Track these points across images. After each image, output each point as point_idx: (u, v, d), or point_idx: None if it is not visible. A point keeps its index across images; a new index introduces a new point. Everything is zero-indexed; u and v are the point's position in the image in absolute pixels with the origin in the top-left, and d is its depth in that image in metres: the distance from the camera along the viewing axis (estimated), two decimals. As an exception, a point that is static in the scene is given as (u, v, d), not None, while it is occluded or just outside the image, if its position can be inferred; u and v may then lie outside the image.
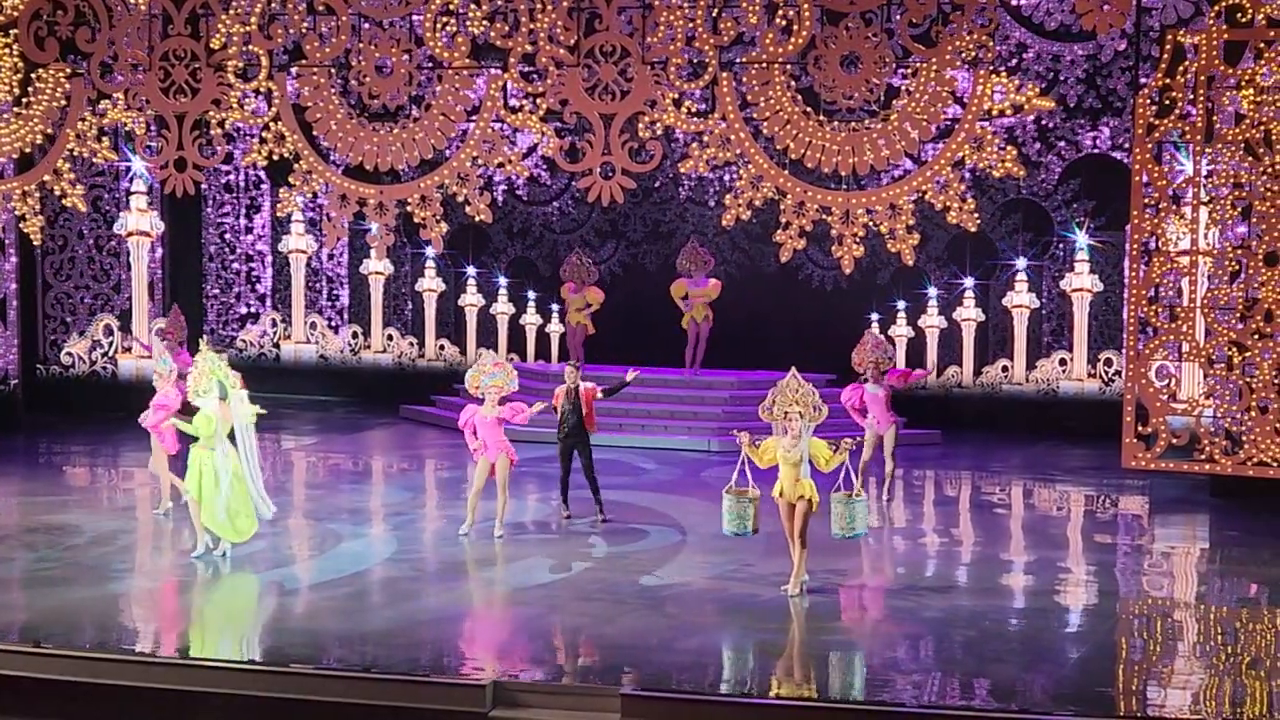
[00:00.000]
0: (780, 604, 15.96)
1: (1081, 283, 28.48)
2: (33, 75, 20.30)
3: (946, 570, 18.53)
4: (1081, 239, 28.17)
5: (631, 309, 29.44)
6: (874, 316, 29.33)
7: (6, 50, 20.38)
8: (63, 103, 20.27)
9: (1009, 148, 18.54)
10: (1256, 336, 19.68)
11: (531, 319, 31.10)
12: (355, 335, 32.23)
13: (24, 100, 20.52)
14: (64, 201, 21.05)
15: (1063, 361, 28.87)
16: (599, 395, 19.56)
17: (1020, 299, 28.92)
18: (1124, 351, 21.49)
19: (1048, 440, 27.01)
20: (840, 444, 15.93)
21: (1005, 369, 29.20)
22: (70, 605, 15.45)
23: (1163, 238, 20.07)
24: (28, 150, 21.14)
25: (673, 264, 29.55)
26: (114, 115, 20.36)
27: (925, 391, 29.12)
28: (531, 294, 31.09)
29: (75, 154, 20.54)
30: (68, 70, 20.33)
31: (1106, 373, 28.50)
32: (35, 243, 22.24)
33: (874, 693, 13.16)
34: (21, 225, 21.32)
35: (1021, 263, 28.77)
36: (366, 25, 19.76)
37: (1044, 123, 27.36)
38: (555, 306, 30.28)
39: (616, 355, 28.42)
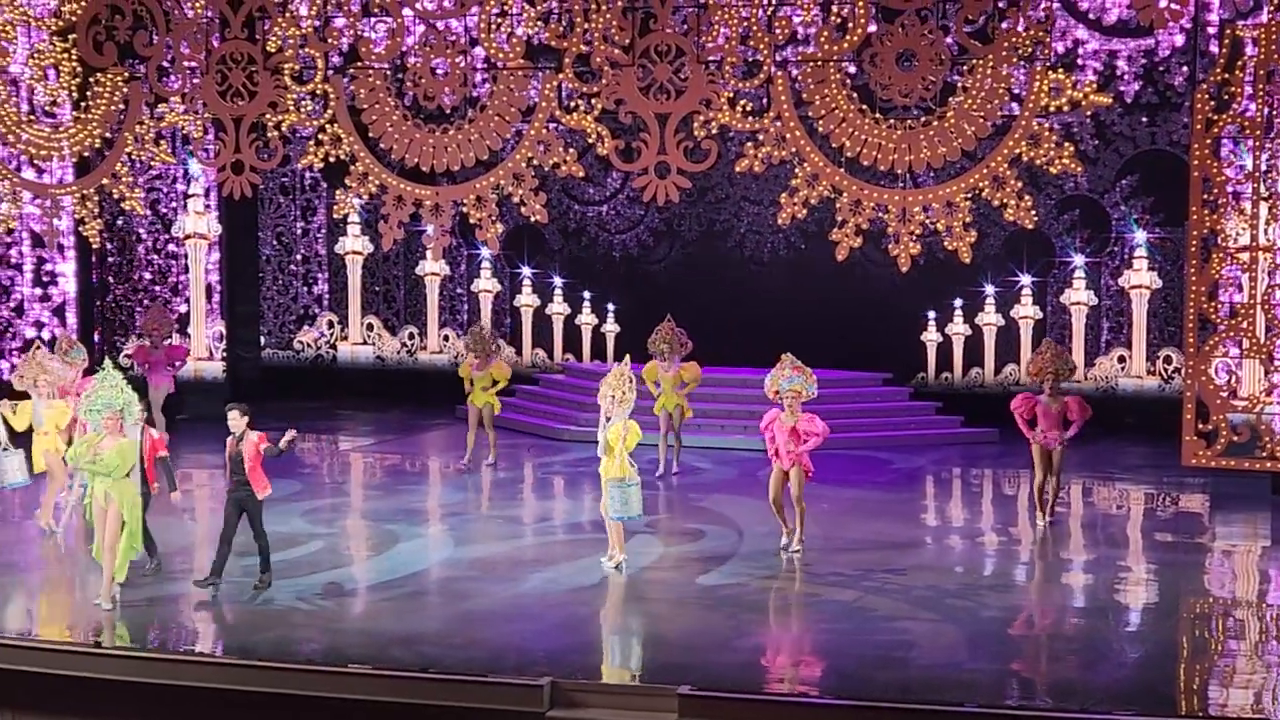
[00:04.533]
0: (839, 603, 15.93)
1: (1140, 279, 28.30)
2: (91, 79, 20.40)
3: (1005, 569, 18.45)
4: (1140, 236, 28.00)
5: (686, 309, 29.43)
6: (930, 315, 29.27)
7: (65, 55, 20.49)
8: (121, 106, 20.35)
9: (1066, 144, 18.41)
10: (1318, 332, 19.52)
11: (587, 319, 31.14)
12: (411, 336, 32.32)
13: (83, 104, 20.64)
14: (123, 204, 21.15)
15: (1121, 359, 28.70)
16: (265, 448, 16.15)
17: (1078, 296, 28.76)
18: (1184, 348, 21.31)
19: (1106, 438, 26.83)
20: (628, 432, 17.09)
21: (1072, 369, 28.95)
22: (137, 607, 15.54)
23: (1222, 234, 19.93)
24: (86, 154, 21.26)
25: (729, 263, 29.62)
26: (171, 119, 20.46)
27: (983, 390, 29.02)
28: (587, 294, 31.12)
29: (133, 157, 20.65)
30: (126, 74, 20.41)
31: (1166, 370, 28.31)
32: (94, 246, 22.33)
33: (932, 692, 13.10)
34: (81, 229, 21.45)
35: (1079, 259, 28.61)
36: (422, 27, 19.79)
37: (1101, 118, 27.19)
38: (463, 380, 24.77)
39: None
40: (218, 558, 16.05)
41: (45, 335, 26.06)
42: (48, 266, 26.91)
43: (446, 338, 32.18)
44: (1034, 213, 18.56)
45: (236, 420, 16.00)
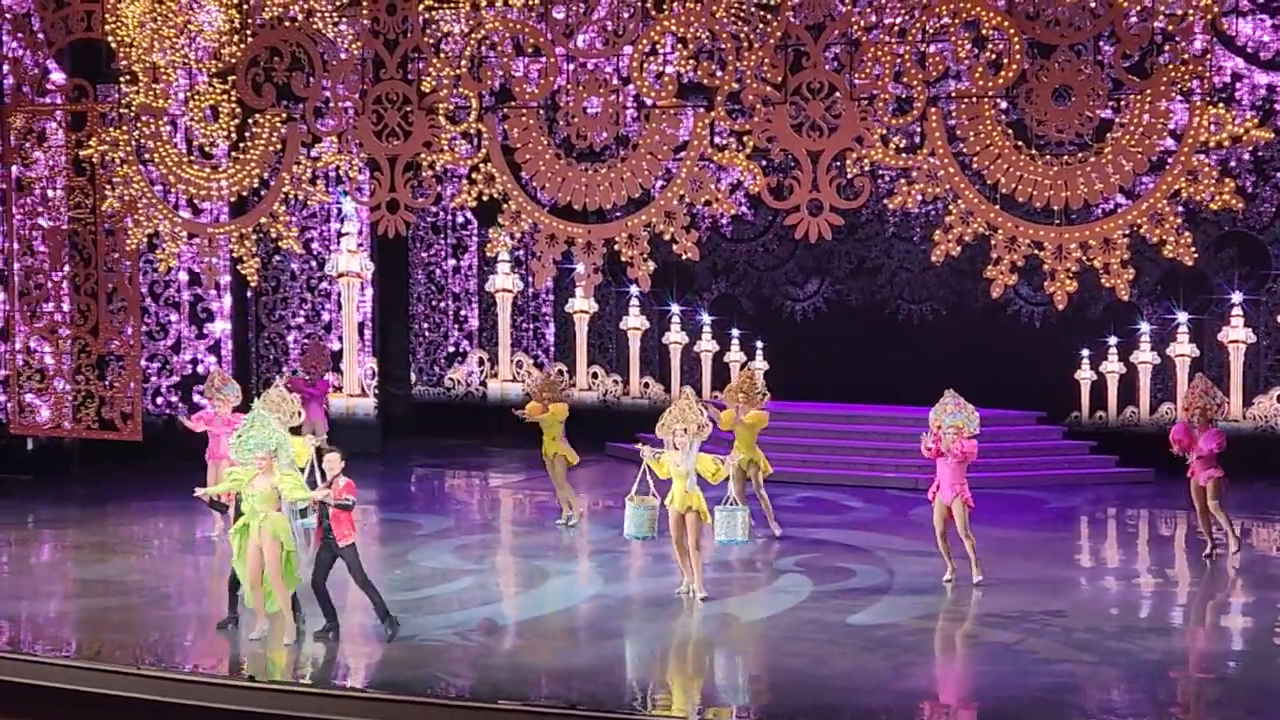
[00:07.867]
0: (997, 644, 15.74)
1: (1301, 317, 27.76)
2: (249, 120, 20.70)
3: (1164, 611, 18.14)
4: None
5: (836, 346, 29.36)
6: (1085, 353, 28.89)
7: (225, 97, 20.81)
8: (278, 146, 20.63)
9: (1226, 179, 18.07)
10: None
11: (735, 356, 31.07)
12: (560, 373, 32.44)
13: (241, 145, 20.94)
14: (280, 244, 21.42)
15: (1281, 398, 28.15)
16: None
17: (1236, 334, 28.25)
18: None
19: (1266, 478, 26.28)
20: (725, 460, 17.78)
21: (1220, 405, 28.46)
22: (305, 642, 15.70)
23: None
24: (244, 194, 21.56)
25: (880, 300, 29.49)
26: (328, 159, 20.70)
27: (1138, 429, 28.57)
28: (735, 331, 31.08)
29: (289, 196, 20.91)
30: (283, 115, 20.69)
31: (1328, 409, 27.72)
32: (251, 284, 22.66)
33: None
34: (239, 267, 21.74)
35: (1237, 297, 28.11)
36: (573, 66, 19.87)
37: (1259, 154, 26.72)
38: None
39: (820, 393, 28.45)
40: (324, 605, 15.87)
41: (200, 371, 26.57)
42: (204, 304, 27.39)
43: (595, 375, 32.28)
44: (1194, 249, 18.22)
45: (335, 463, 15.60)
